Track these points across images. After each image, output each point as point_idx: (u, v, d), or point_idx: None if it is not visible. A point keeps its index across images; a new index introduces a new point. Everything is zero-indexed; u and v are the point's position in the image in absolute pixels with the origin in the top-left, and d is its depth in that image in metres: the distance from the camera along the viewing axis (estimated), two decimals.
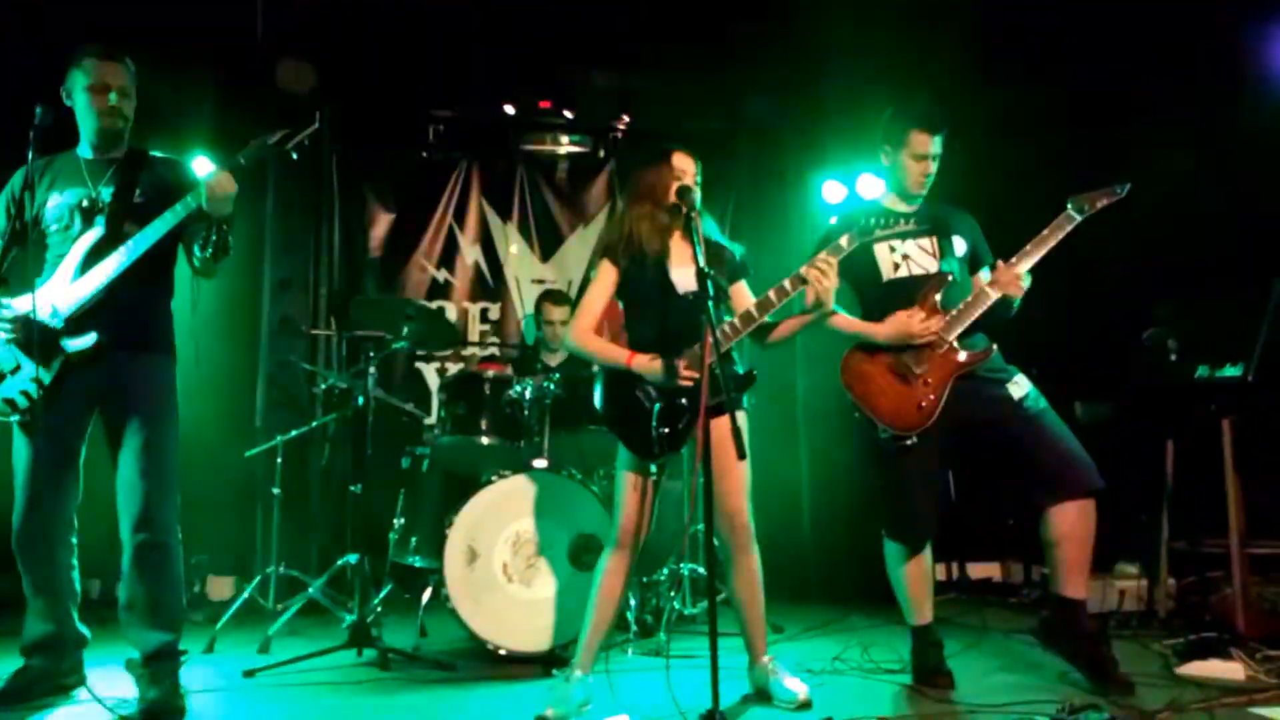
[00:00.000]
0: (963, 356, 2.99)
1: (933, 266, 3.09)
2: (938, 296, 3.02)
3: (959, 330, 2.99)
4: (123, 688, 2.85)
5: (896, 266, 3.13)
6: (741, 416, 2.79)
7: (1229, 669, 3.04)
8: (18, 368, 2.79)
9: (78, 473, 2.91)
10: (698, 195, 2.91)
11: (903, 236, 3.11)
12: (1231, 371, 3.78)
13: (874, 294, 3.15)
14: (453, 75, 5.66)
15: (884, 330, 3.03)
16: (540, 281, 5.98)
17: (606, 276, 2.97)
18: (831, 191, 5.80)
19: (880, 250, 3.13)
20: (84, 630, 2.98)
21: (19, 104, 2.77)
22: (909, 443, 2.97)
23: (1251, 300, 3.89)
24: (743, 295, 3.02)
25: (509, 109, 5.83)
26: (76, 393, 2.82)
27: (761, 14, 5.39)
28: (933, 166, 3.14)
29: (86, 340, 2.78)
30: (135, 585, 2.80)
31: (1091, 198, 2.98)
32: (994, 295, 2.99)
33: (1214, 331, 3.99)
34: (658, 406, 2.80)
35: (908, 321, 2.98)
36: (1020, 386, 3.00)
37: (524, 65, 5.72)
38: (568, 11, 5.32)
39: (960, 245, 3.16)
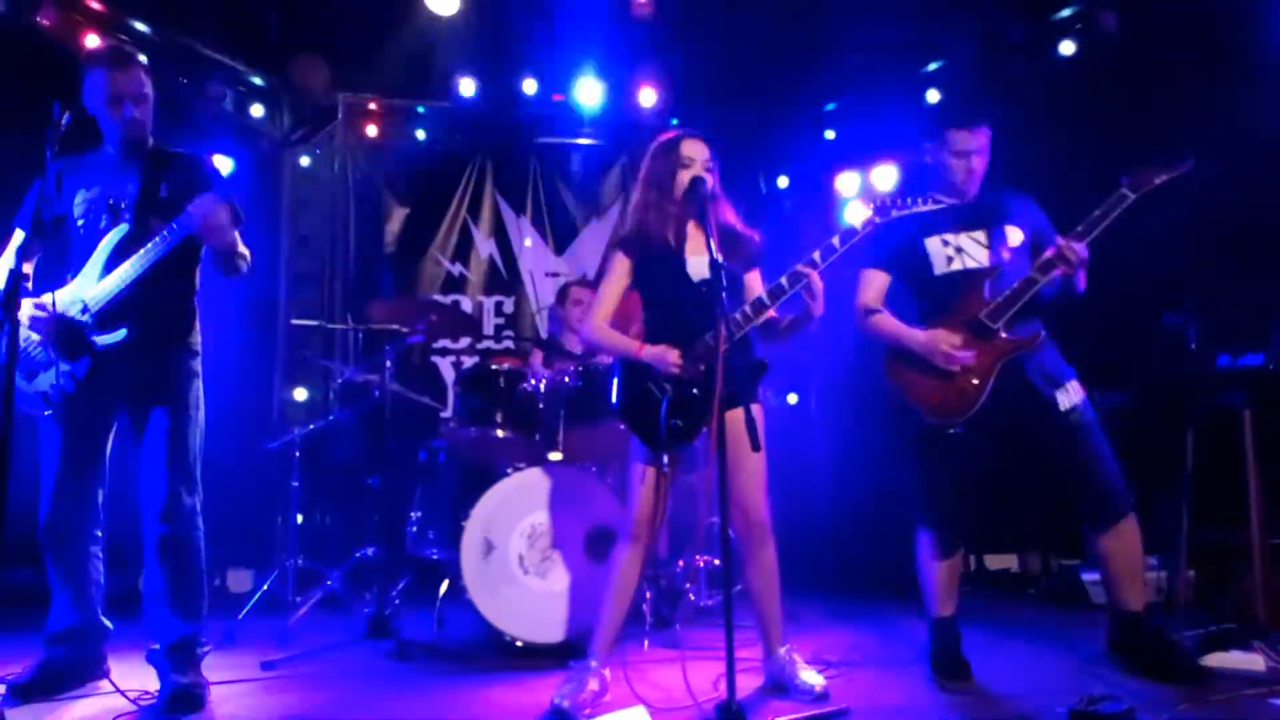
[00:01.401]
0: (1007, 340, 2.91)
1: (985, 259, 3.02)
2: (986, 290, 2.95)
3: (1006, 316, 2.91)
4: (145, 679, 2.88)
5: (950, 260, 3.05)
6: (757, 409, 2.79)
7: (1249, 660, 3.01)
8: (50, 363, 2.83)
9: (103, 465, 2.95)
10: (711, 182, 2.89)
11: (954, 229, 3.06)
12: (1253, 360, 3.74)
13: (927, 288, 3.09)
14: (466, 69, 5.68)
15: (920, 339, 2.97)
16: (555, 274, 5.99)
17: (620, 268, 2.97)
18: (846, 182, 5.79)
19: (932, 244, 3.07)
20: (107, 622, 3.02)
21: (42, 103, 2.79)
22: (952, 431, 2.92)
23: (1273, 287, 3.84)
24: (756, 283, 3.01)
25: (522, 102, 5.84)
26: (103, 387, 2.86)
27: (778, 2, 5.37)
28: (977, 161, 3.06)
29: (116, 335, 2.82)
30: (158, 577, 2.84)
31: (1148, 174, 2.82)
32: (1041, 279, 2.88)
33: (1235, 319, 3.95)
34: (669, 397, 2.80)
35: (945, 339, 2.91)
36: (1070, 395, 2.92)
37: (538, 58, 5.73)
38: (580, 2, 5.32)
39: (1015, 235, 3.06)
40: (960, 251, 3.05)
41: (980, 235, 3.06)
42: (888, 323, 3.08)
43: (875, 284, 3.17)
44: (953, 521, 3.05)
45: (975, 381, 2.90)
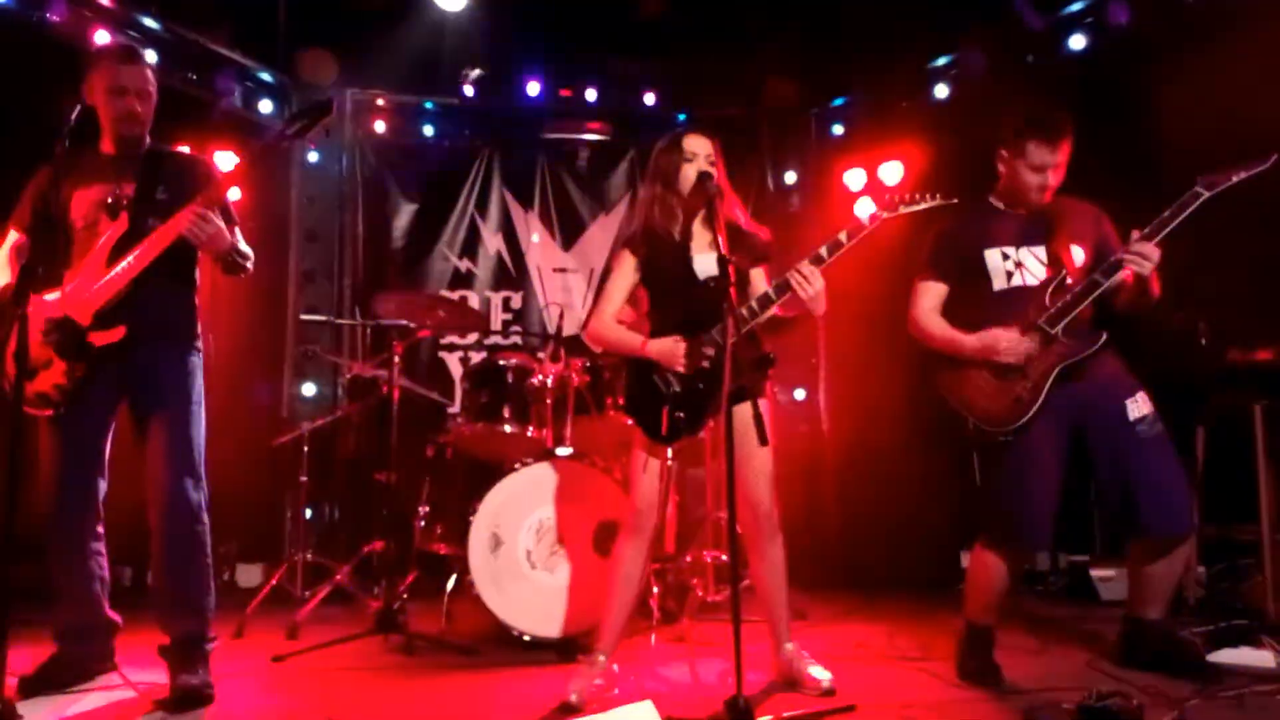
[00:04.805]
0: (1064, 345, 2.80)
1: (1045, 276, 2.90)
2: (1046, 298, 2.85)
3: (1065, 320, 2.80)
4: (154, 673, 2.89)
5: (1010, 275, 2.93)
6: (764, 403, 2.79)
7: (1259, 657, 2.99)
8: (50, 362, 2.83)
9: (103, 462, 2.95)
10: (716, 175, 2.88)
11: (1015, 242, 2.95)
12: (1264, 356, 3.72)
13: (985, 303, 2.94)
14: (474, 64, 5.68)
15: (972, 343, 2.88)
16: (562, 270, 5.99)
17: (626, 265, 2.98)
18: (853, 177, 5.77)
19: (992, 257, 2.95)
20: (115, 617, 3.03)
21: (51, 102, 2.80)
22: (1004, 439, 2.81)
23: None
24: (762, 279, 3.00)
25: (529, 97, 5.84)
26: (104, 385, 2.86)
27: None
28: (1053, 178, 2.91)
29: (115, 334, 2.82)
30: (165, 573, 2.85)
31: (1224, 173, 2.69)
32: (1105, 282, 2.77)
33: (1245, 315, 3.92)
34: (674, 390, 2.80)
35: (998, 337, 2.82)
36: (1139, 406, 2.82)
37: (545, 53, 5.73)
38: None
39: (1078, 252, 2.90)
40: (1020, 266, 2.94)
41: (1041, 251, 2.94)
42: (942, 329, 2.98)
43: (932, 294, 3.06)
44: (1016, 539, 2.91)
45: (1029, 388, 2.79)
